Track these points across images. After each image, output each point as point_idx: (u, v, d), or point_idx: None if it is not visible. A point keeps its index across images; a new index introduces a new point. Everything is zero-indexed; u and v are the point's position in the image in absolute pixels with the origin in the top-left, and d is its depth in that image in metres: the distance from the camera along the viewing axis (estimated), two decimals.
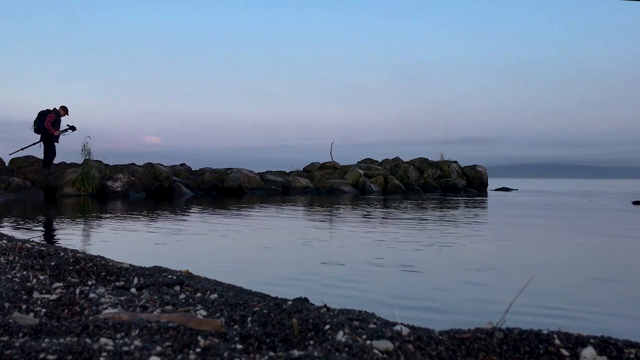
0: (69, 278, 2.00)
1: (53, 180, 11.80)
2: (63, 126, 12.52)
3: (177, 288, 1.83)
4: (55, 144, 12.47)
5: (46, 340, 1.08)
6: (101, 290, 1.71)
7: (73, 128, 12.50)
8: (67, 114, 12.51)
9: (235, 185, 13.86)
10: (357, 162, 18.28)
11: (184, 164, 15.42)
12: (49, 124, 12.21)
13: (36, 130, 12.33)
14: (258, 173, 15.53)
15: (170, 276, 2.03)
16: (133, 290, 1.76)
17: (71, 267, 2.10)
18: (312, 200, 10.91)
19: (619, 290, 2.43)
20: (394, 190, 15.80)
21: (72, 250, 2.55)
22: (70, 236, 4.28)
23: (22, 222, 5.33)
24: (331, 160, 17.31)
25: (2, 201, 9.37)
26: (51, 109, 12.40)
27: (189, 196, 12.17)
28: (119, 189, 11.80)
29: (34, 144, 12.43)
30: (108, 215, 6.75)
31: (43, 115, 12.31)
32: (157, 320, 1.26)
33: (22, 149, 12.58)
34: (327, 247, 3.79)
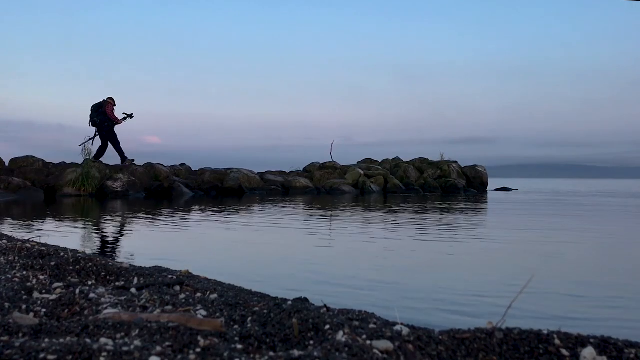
0: (69, 278, 2.00)
1: (53, 180, 11.80)
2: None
3: (177, 288, 1.83)
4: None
5: (46, 340, 1.08)
6: (101, 290, 1.71)
7: (131, 116, 12.85)
8: (115, 105, 12.85)
9: (235, 185, 13.85)
10: (357, 162, 18.25)
11: (184, 164, 15.40)
12: (111, 113, 12.55)
13: (94, 124, 12.59)
14: (258, 173, 15.51)
15: (170, 276, 2.03)
16: (133, 290, 1.76)
17: (71, 267, 2.10)
18: (312, 200, 10.91)
19: (619, 290, 2.43)
20: (394, 191, 15.78)
21: (72, 250, 2.55)
22: (70, 236, 4.28)
23: (22, 222, 5.33)
24: (331, 160, 17.29)
25: (2, 201, 9.37)
26: (102, 100, 12.68)
27: (189, 196, 12.17)
28: (119, 189, 11.79)
29: (90, 139, 12.71)
30: (108, 215, 6.75)
31: (99, 107, 12.60)
32: (157, 320, 1.26)
33: (79, 146, 12.82)
34: (327, 247, 3.79)
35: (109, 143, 12.88)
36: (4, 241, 2.86)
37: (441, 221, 5.87)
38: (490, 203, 10.35)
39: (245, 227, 5.18)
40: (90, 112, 12.67)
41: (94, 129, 12.73)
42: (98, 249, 3.54)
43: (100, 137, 12.77)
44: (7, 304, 1.47)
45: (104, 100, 12.74)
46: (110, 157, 13.12)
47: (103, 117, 12.53)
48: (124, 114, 12.85)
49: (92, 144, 12.78)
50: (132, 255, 3.27)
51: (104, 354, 0.97)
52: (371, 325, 1.29)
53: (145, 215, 6.51)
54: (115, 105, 12.84)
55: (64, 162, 13.28)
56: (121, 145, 13.01)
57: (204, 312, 1.47)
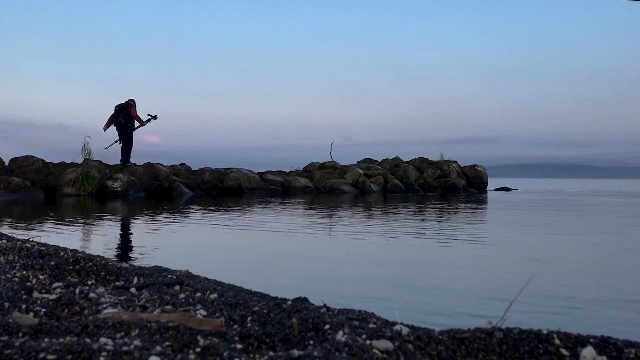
0: (69, 278, 2.00)
1: (53, 180, 11.80)
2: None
3: (177, 288, 1.83)
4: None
5: (46, 340, 1.08)
6: (101, 290, 1.71)
7: (155, 117, 12.81)
8: (136, 107, 12.86)
9: (235, 185, 13.84)
10: (357, 162, 18.24)
11: (184, 164, 15.40)
12: (137, 115, 12.53)
13: (118, 124, 12.50)
14: (258, 173, 15.50)
15: (170, 276, 2.03)
16: (133, 290, 1.76)
17: (71, 267, 2.10)
18: (312, 200, 10.91)
19: (619, 289, 2.43)
20: (394, 191, 15.78)
21: (72, 250, 2.55)
22: (70, 236, 4.27)
23: (22, 222, 5.33)
24: (331, 160, 17.29)
25: (2, 201, 9.36)
26: (125, 102, 12.67)
27: (189, 196, 12.17)
28: (119, 189, 11.79)
29: (116, 142, 12.69)
30: (108, 215, 6.75)
31: (125, 108, 12.57)
32: (157, 320, 1.26)
33: (106, 149, 12.81)
34: (327, 247, 3.79)
35: (122, 142, 12.80)
36: (4, 241, 2.86)
37: (441, 221, 5.87)
38: (490, 203, 10.35)
39: (245, 227, 5.18)
40: (114, 112, 12.62)
41: (116, 130, 12.64)
42: (98, 249, 3.54)
43: (122, 138, 12.71)
44: (7, 304, 1.47)
45: (127, 102, 12.71)
46: (110, 157, 13.10)
47: (128, 118, 12.52)
48: (148, 115, 12.80)
49: (120, 144, 12.74)
50: (132, 255, 3.27)
51: (104, 354, 0.97)
52: (371, 325, 1.29)
53: (145, 216, 6.51)
54: (136, 107, 12.83)
55: (63, 162, 13.28)
56: (131, 150, 12.97)
57: (204, 312, 1.47)
